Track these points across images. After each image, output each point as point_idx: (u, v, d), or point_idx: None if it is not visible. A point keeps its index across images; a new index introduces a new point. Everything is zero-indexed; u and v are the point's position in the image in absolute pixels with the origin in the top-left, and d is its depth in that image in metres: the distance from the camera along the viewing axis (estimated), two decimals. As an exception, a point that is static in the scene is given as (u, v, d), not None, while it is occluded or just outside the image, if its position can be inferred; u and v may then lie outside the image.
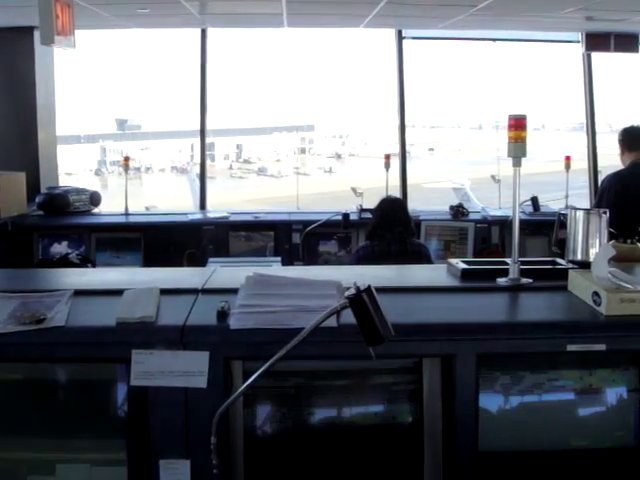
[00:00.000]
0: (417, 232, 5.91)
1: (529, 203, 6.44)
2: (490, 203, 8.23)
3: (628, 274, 2.75)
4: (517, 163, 2.53)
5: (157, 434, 2.11)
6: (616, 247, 3.16)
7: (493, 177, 8.80)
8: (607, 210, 2.82)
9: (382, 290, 2.18)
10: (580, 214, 2.79)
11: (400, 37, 8.13)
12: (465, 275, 2.67)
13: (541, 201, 6.72)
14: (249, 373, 2.00)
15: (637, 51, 7.97)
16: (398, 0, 5.90)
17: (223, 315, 2.21)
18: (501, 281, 2.57)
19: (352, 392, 2.30)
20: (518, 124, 2.51)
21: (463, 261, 2.79)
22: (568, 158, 7.01)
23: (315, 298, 2.28)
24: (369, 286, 1.94)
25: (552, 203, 6.98)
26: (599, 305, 2.25)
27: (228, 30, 8.72)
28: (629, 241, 3.19)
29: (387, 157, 7.03)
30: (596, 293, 2.27)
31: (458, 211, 6.55)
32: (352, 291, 1.94)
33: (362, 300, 1.92)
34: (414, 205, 6.63)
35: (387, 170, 6.87)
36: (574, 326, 2.22)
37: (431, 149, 27.90)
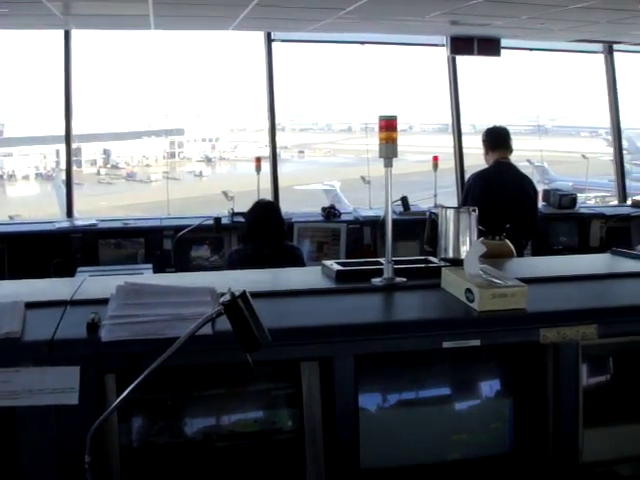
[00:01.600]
0: (290, 234, 5.92)
1: (399, 203, 6.56)
2: (361, 204, 8.35)
3: (498, 270, 2.83)
4: (388, 164, 2.55)
5: (26, 456, 2.00)
6: (485, 244, 3.25)
7: (363, 178, 8.93)
8: (476, 208, 2.88)
9: (257, 295, 2.15)
10: (450, 212, 2.83)
11: (269, 39, 8.15)
12: (340, 276, 2.66)
13: (411, 200, 6.86)
14: (123, 386, 1.92)
15: (499, 54, 8.29)
16: (266, 3, 5.89)
17: (93, 327, 2.11)
18: (376, 281, 2.58)
19: (231, 400, 2.25)
20: (389, 125, 2.53)
21: (337, 262, 2.79)
22: (436, 158, 7.20)
23: (189, 306, 2.22)
24: (244, 291, 1.90)
25: (421, 202, 7.15)
26: (472, 301, 2.29)
27: (93, 32, 8.50)
28: (497, 237, 3.28)
29: (258, 160, 7.02)
30: (469, 290, 2.31)
31: (330, 212, 6.60)
32: (227, 297, 1.89)
33: (237, 306, 1.88)
34: (286, 207, 6.64)
35: (258, 173, 6.86)
36: (449, 323, 2.25)
37: (301, 151, 28.12)
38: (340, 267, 2.71)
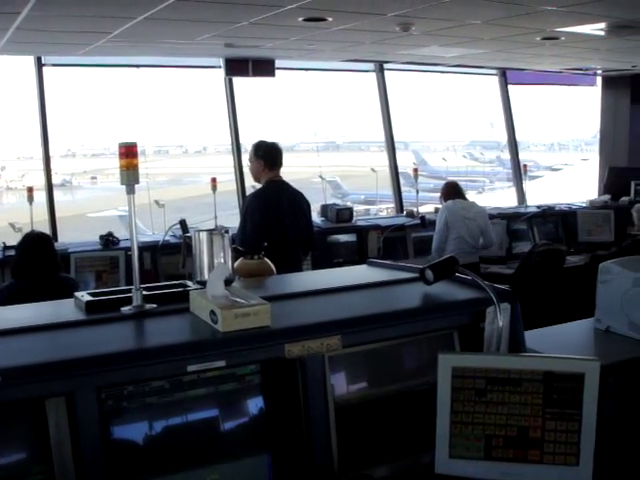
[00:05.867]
0: (67, 265, 5.75)
1: (178, 226, 6.51)
2: (156, 228, 8.24)
3: (256, 287, 2.88)
4: (131, 190, 2.51)
5: None
6: (245, 264, 3.30)
7: (157, 202, 8.84)
8: (229, 229, 2.92)
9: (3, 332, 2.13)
10: (203, 235, 2.86)
11: (40, 64, 7.89)
12: (89, 307, 2.59)
13: (194, 223, 6.83)
14: None
15: (274, 75, 8.48)
16: (28, 27, 5.70)
17: None
18: (125, 310, 2.54)
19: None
20: (129, 152, 2.49)
21: (89, 293, 2.72)
22: (214, 180, 7.23)
23: None
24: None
25: (202, 224, 7.15)
26: (216, 323, 2.30)
27: None
28: (256, 257, 3.34)
29: (30, 190, 6.79)
30: (213, 312, 2.32)
31: (108, 240, 6.48)
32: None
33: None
34: (77, 237, 6.49)
35: (31, 203, 6.64)
36: (193, 346, 2.24)
37: (94, 177, 27.37)
38: (90, 298, 2.65)
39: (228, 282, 2.77)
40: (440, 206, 7.84)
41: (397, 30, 6.09)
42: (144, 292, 2.62)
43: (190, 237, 2.92)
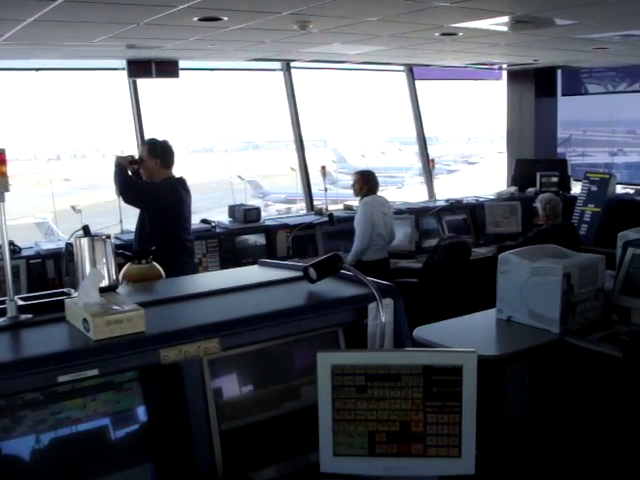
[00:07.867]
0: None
1: (82, 232, 6.40)
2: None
3: (141, 292, 2.83)
4: (0, 199, 2.45)
5: None
6: (133, 269, 3.26)
7: (73, 207, 8.69)
8: (110, 235, 2.86)
9: None
10: (85, 241, 2.79)
11: None
12: (-37, 321, 2.51)
13: (103, 228, 6.73)
14: None
15: (177, 76, 8.41)
16: None
17: None
18: (-1, 321, 2.47)
19: None
20: (-2, 159, 2.43)
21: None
22: (118, 183, 7.10)
23: None
24: None
25: (109, 229, 7.05)
26: (89, 331, 2.26)
27: None
28: (144, 261, 3.29)
29: None
30: (85, 319, 2.28)
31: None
32: None
33: None
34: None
35: None
36: (63, 356, 2.18)
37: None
38: (-36, 311, 2.57)
39: (112, 288, 2.72)
40: (352, 203, 7.87)
41: (295, 28, 6.08)
42: (21, 302, 2.55)
43: (71, 244, 2.86)
